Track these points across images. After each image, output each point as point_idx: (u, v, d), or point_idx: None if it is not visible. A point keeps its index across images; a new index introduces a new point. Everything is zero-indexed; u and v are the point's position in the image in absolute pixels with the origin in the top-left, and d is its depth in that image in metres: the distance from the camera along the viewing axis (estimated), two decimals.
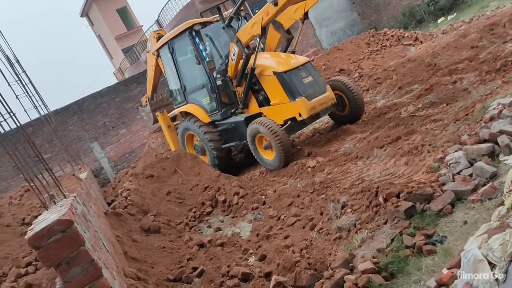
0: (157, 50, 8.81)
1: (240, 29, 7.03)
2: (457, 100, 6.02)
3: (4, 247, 5.32)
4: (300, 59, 7.31)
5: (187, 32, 7.77)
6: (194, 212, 6.27)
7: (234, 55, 7.20)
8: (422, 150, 4.74)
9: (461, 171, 3.75)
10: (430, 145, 4.79)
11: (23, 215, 6.39)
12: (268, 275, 3.78)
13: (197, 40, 7.67)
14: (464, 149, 3.97)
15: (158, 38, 9.22)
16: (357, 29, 18.10)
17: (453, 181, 3.69)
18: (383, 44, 13.71)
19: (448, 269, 2.24)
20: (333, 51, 13.60)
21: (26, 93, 6.65)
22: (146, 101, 10.61)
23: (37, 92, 9.86)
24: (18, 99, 6.01)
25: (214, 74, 7.62)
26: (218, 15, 7.46)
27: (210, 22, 7.98)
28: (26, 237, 2.28)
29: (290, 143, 6.89)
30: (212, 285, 4.00)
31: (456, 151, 4.06)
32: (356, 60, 12.68)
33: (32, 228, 2.40)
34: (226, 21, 7.11)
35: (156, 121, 10.27)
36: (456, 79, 6.95)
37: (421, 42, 13.25)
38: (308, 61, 7.18)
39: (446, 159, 4.00)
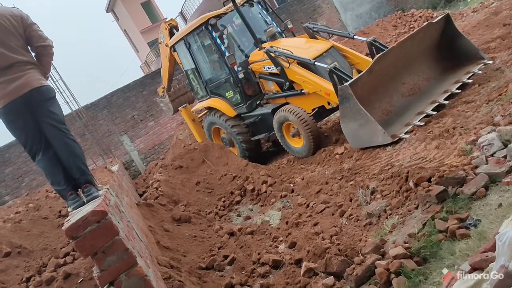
0: (173, 46, 8.75)
1: (292, 67, 6.68)
2: (489, 80, 5.82)
3: (43, 239, 5.54)
4: (323, 44, 7.19)
5: (203, 27, 7.70)
6: (224, 201, 6.34)
7: (269, 68, 7.12)
8: (454, 132, 4.62)
9: (494, 153, 3.65)
10: (461, 127, 4.66)
11: (59, 207, 6.61)
12: (298, 262, 3.80)
13: (214, 34, 7.58)
14: (497, 130, 3.85)
15: (170, 29, 9.18)
16: (384, 11, 17.65)
17: (487, 164, 3.59)
18: (411, 26, 13.34)
19: (482, 252, 2.20)
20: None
21: (57, 89, 6.83)
22: (162, 91, 10.64)
23: (67, 88, 10.12)
24: None
25: (235, 67, 7.52)
26: (232, 4, 7.38)
27: (225, 13, 7.84)
28: (63, 228, 2.37)
29: (319, 131, 6.83)
30: (243, 272, 4.05)
31: (489, 132, 3.95)
32: None
33: (69, 220, 2.49)
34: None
35: (176, 111, 10.32)
36: (488, 59, 6.72)
37: None
38: (332, 46, 7.05)
39: (478, 141, 3.90)
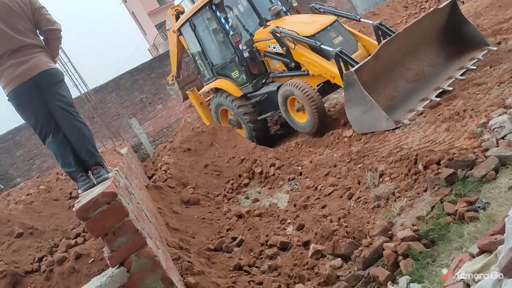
0: (179, 29, 8.73)
1: (298, 48, 6.65)
2: (501, 62, 5.73)
3: (54, 220, 5.63)
4: (327, 18, 7.07)
5: (207, 6, 7.65)
6: (232, 184, 6.38)
7: (274, 48, 7.06)
8: (464, 115, 4.57)
9: (505, 135, 3.60)
10: (472, 109, 4.60)
11: (69, 189, 6.70)
12: (306, 244, 3.83)
13: (218, 13, 7.51)
14: (509, 112, 3.80)
15: (177, 15, 9.14)
16: None
17: (497, 146, 3.55)
18: (422, 7, 13.11)
19: (491, 235, 2.19)
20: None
21: (66, 72, 6.85)
22: (172, 79, 10.66)
23: (76, 71, 10.14)
24: None
25: (240, 46, 7.50)
26: None
27: None
28: (74, 209, 2.40)
29: (324, 106, 6.78)
30: (251, 254, 4.09)
31: (500, 115, 3.89)
32: (393, 25, 12.21)
33: (79, 201, 2.52)
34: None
35: (186, 98, 10.34)
36: (500, 40, 6.58)
37: (462, 2, 12.56)
38: (336, 20, 6.93)
39: (489, 123, 3.85)
